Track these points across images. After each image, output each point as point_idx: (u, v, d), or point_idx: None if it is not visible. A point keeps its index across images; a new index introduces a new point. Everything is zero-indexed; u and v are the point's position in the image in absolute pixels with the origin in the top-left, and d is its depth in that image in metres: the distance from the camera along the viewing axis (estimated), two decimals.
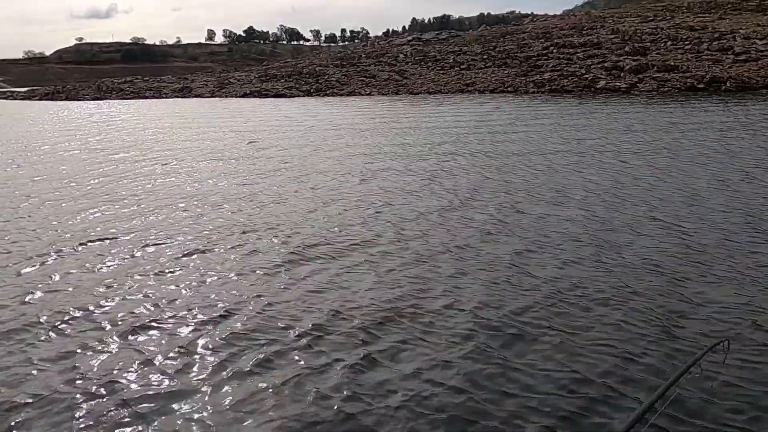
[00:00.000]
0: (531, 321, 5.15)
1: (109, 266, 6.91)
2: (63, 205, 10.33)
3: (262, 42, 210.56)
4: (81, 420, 3.89)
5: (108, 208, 10.00)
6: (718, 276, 6.09)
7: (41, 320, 5.45)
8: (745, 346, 4.58)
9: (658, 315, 5.20)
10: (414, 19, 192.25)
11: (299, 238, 7.87)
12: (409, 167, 13.36)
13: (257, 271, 6.63)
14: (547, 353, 4.56)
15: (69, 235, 8.25)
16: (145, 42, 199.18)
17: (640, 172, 11.85)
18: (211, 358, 4.66)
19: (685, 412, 3.72)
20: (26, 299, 5.96)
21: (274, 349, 4.76)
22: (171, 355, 4.74)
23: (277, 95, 51.01)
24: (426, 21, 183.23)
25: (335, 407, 3.94)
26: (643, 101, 30.03)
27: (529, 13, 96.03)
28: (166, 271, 6.73)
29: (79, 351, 4.81)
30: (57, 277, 6.55)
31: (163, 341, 5.00)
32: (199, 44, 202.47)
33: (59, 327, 5.31)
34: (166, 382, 4.34)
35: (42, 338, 5.09)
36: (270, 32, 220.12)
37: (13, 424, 3.88)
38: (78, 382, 4.35)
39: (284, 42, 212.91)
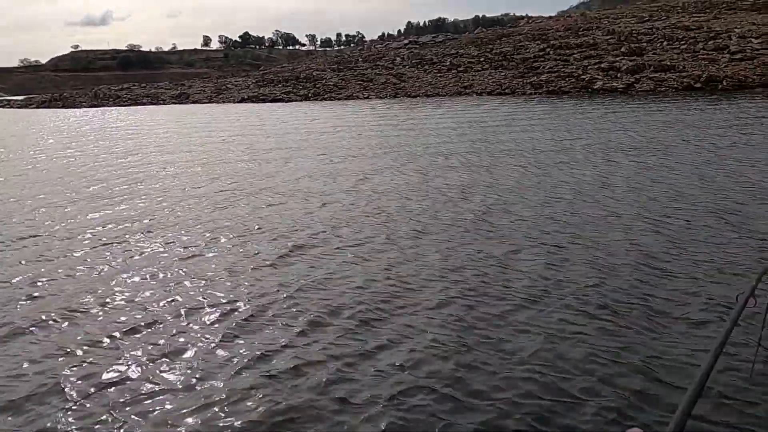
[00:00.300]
0: (518, 320, 5.14)
1: (100, 267, 6.91)
2: (63, 208, 10.33)
3: (257, 47, 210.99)
4: (67, 418, 3.94)
5: (104, 208, 10.01)
6: (706, 273, 6.07)
7: (34, 318, 5.54)
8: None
9: (645, 312, 5.18)
10: (409, 22, 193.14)
11: (293, 238, 7.92)
12: (404, 169, 13.43)
13: (251, 270, 6.72)
14: (535, 351, 4.56)
15: (63, 234, 8.26)
16: (141, 49, 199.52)
17: (634, 170, 11.94)
18: (202, 355, 4.70)
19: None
20: (18, 301, 5.99)
21: (266, 345, 4.81)
22: (162, 353, 4.78)
23: (274, 100, 51.12)
24: (421, 24, 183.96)
25: (324, 401, 4.01)
26: (640, 101, 30.15)
27: (524, 15, 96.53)
28: (159, 271, 6.78)
29: (65, 351, 4.83)
30: (44, 279, 6.57)
31: (154, 339, 5.04)
32: (195, 50, 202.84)
33: (44, 327, 5.35)
34: (157, 379, 4.40)
35: (31, 337, 5.13)
36: (266, 37, 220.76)
37: (10, 423, 3.95)
38: (61, 382, 4.38)
39: (280, 47, 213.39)
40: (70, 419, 3.94)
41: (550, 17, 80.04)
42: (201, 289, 6.18)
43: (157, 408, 4.03)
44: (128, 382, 4.36)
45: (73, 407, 4.06)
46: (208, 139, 22.77)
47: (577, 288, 5.82)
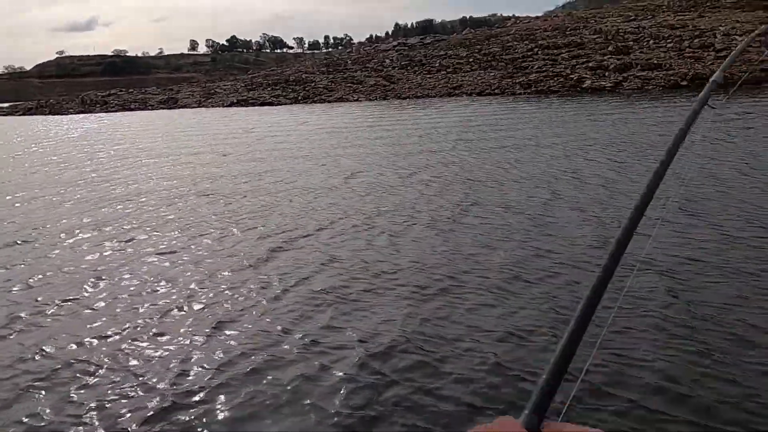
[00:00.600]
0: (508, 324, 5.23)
1: (91, 270, 6.91)
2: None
3: (245, 51, 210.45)
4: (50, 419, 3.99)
5: (96, 209, 9.96)
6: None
7: (22, 316, 5.62)
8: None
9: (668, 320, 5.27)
10: (397, 24, 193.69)
11: (290, 248, 7.88)
12: (394, 169, 13.49)
13: (248, 283, 6.65)
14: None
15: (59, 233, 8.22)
16: (127, 54, 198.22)
17: (607, 166, 12.18)
18: (202, 364, 4.70)
19: None
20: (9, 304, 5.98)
21: (267, 357, 4.77)
22: (158, 361, 4.79)
23: (264, 104, 50.96)
24: (409, 26, 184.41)
25: (330, 411, 3.97)
26: (627, 99, 30.44)
27: (511, 15, 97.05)
28: (150, 277, 6.81)
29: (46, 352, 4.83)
30: (30, 281, 6.57)
31: (132, 343, 5.07)
32: (182, 55, 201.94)
33: (31, 335, 5.35)
34: (138, 379, 4.45)
35: (22, 341, 5.14)
36: (253, 41, 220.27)
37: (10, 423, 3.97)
38: (53, 391, 4.39)
39: (268, 50, 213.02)
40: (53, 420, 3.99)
41: (537, 17, 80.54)
42: (184, 291, 6.26)
43: (137, 408, 4.08)
44: (109, 395, 4.32)
45: (52, 412, 4.11)
46: (202, 141, 22.69)
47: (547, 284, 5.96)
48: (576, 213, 8.73)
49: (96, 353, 4.96)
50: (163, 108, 56.50)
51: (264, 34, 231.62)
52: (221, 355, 4.83)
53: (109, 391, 4.36)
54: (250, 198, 11.37)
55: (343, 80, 56.28)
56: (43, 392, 4.38)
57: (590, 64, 42.94)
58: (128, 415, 4.03)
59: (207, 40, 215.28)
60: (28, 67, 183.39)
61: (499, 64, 50.83)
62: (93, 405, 4.17)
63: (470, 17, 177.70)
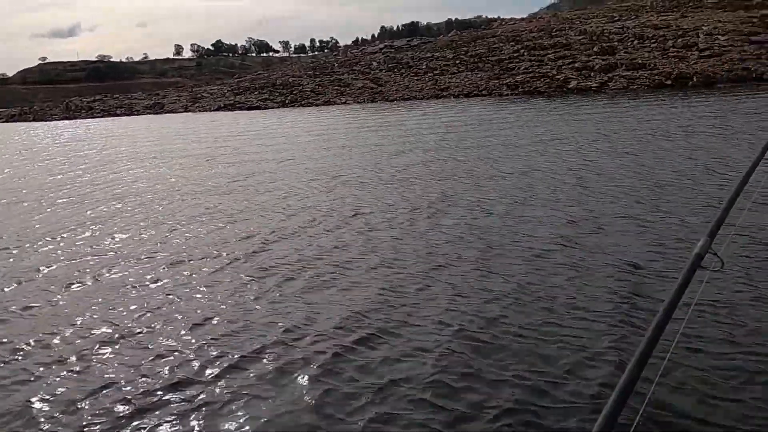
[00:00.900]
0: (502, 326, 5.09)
1: (80, 280, 6.82)
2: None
3: (231, 55, 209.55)
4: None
5: (84, 223, 9.85)
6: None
7: (20, 332, 5.48)
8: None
9: (625, 311, 5.13)
10: (383, 27, 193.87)
11: (270, 249, 7.84)
12: (379, 173, 13.47)
13: (228, 283, 6.61)
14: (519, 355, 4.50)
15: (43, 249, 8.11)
16: (111, 59, 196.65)
17: (605, 167, 12.17)
18: (183, 367, 4.67)
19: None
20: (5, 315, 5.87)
21: (245, 357, 4.78)
22: (133, 359, 4.78)
23: (251, 108, 50.78)
24: (395, 28, 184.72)
25: (304, 411, 3.98)
26: (613, 99, 30.71)
27: (497, 17, 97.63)
28: (137, 284, 6.71)
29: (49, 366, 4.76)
30: (21, 298, 6.46)
31: (128, 352, 4.99)
32: (167, 59, 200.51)
33: (25, 346, 5.24)
34: (133, 391, 4.38)
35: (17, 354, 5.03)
36: (239, 45, 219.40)
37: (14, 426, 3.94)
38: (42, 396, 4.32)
39: (253, 54, 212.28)
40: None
41: (522, 19, 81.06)
42: (177, 302, 6.14)
43: (108, 409, 4.08)
44: (98, 397, 4.30)
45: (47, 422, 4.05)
46: (191, 145, 22.54)
47: (561, 290, 5.78)
48: (548, 211, 8.84)
49: (70, 352, 4.91)
50: (150, 113, 56.08)
51: (249, 38, 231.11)
52: (199, 352, 4.86)
53: (80, 390, 4.35)
54: (232, 200, 11.40)
55: (330, 83, 56.24)
56: (16, 394, 4.34)
57: (576, 65, 43.31)
58: (102, 414, 4.03)
59: (192, 45, 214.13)
60: (11, 74, 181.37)
61: (485, 65, 51.10)
62: (62, 407, 4.16)
63: (456, 19, 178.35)
